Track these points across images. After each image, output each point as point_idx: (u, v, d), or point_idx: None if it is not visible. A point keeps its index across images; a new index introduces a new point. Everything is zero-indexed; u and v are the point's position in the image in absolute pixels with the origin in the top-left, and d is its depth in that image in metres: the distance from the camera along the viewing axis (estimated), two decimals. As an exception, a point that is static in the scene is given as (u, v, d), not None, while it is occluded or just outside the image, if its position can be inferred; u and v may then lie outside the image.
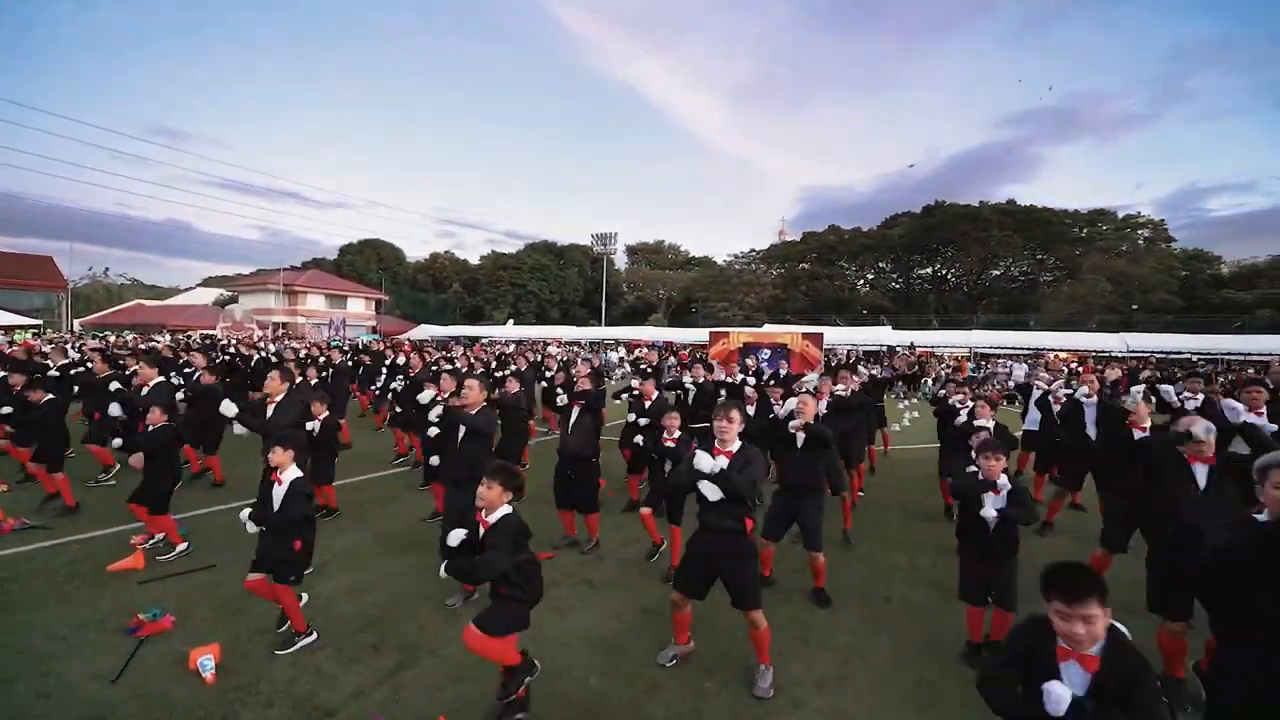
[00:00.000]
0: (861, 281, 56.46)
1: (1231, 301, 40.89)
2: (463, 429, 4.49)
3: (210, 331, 33.23)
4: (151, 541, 5.22)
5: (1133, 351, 29.65)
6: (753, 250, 59.10)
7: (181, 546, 5.21)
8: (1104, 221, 46.79)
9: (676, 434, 5.12)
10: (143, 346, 17.09)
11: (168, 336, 25.46)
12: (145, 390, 5.97)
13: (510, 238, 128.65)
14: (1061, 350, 30.82)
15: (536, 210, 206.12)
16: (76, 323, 39.31)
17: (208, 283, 62.90)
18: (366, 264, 65.76)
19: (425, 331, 48.20)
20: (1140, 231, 45.86)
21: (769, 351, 22.75)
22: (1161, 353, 29.40)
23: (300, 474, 3.87)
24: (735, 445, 3.56)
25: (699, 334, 43.50)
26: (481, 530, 3.05)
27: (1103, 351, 31.19)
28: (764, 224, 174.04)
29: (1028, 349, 31.78)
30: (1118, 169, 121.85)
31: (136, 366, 10.53)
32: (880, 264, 54.34)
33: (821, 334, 22.04)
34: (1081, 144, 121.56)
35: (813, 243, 54.31)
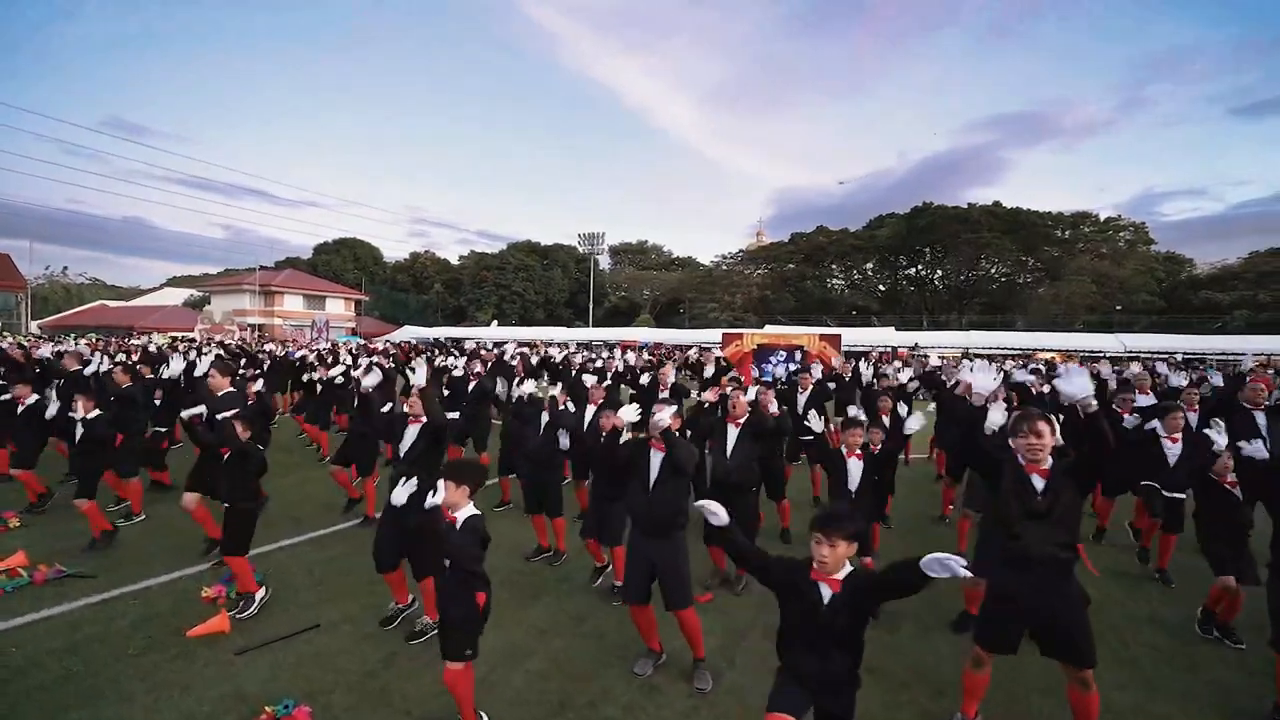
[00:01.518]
0: (847, 282, 56.70)
1: (1210, 302, 42.02)
2: (657, 466, 3.57)
3: (187, 334, 31.33)
4: (240, 599, 4.24)
5: (1129, 351, 30.05)
6: (740, 251, 58.91)
7: (260, 595, 4.27)
8: (1086, 224, 47.77)
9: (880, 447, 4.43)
10: (152, 348, 15.60)
11: (147, 338, 23.78)
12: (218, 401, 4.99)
13: (483, 237, 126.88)
14: (1053, 350, 31.19)
15: (511, 211, 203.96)
16: (34, 324, 36.81)
17: (174, 282, 60.05)
18: (343, 264, 63.61)
19: (409, 333, 46.63)
20: (1122, 234, 46.89)
21: (785, 353, 22.22)
22: (1158, 353, 29.77)
23: (477, 512, 2.97)
24: (1049, 463, 2.86)
25: (689, 335, 43.05)
26: (829, 592, 2.25)
27: (1097, 352, 31.64)
28: (736, 225, 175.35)
29: (1018, 349, 32.05)
30: (1082, 174, 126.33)
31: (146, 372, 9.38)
32: (867, 265, 54.61)
33: (839, 335, 21.54)
34: (1047, 149, 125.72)
35: (801, 243, 54.25)
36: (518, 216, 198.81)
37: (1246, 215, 71.75)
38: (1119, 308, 44.04)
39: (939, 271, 51.69)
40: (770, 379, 14.43)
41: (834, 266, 55.20)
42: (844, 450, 4.67)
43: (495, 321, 54.05)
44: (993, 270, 50.42)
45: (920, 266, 52.89)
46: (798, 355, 19.60)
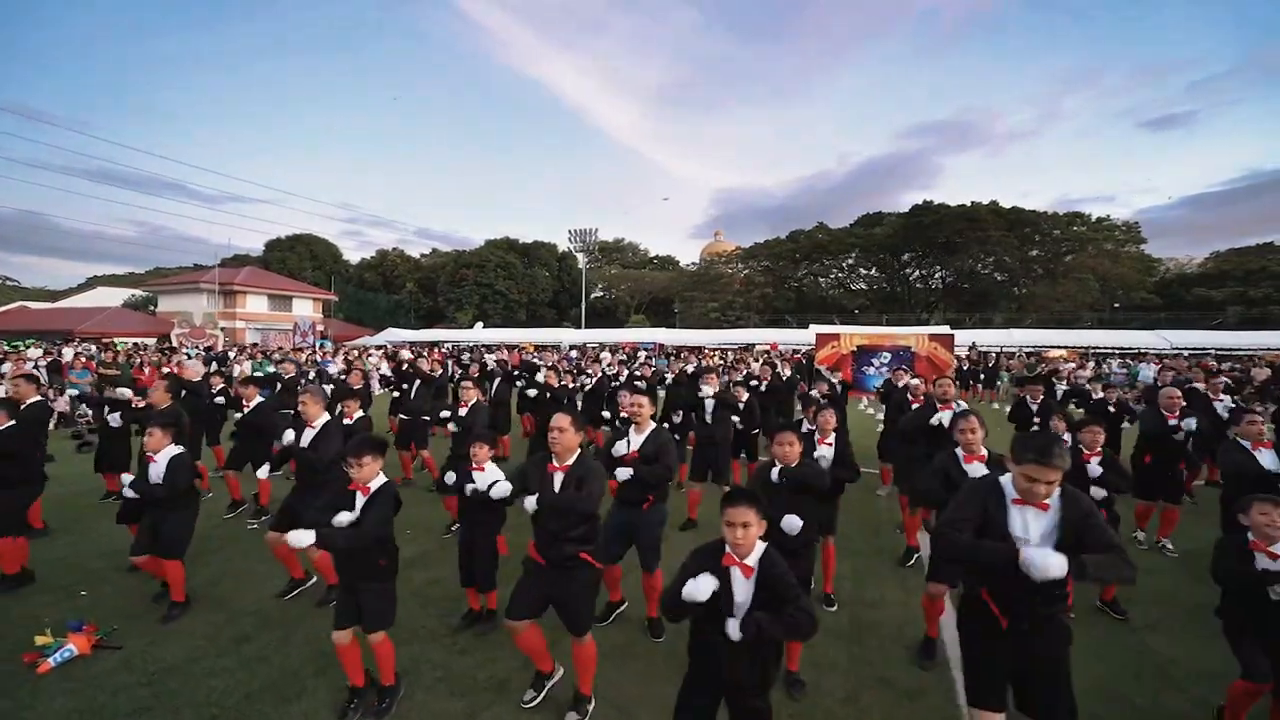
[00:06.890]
0: (837, 281, 55.93)
1: (1204, 299, 43.35)
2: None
3: (145, 339, 26.32)
4: None
5: (1175, 348, 29.80)
6: (738, 248, 57.20)
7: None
8: (1078, 223, 48.59)
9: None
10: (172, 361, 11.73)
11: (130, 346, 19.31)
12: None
13: (423, 237, 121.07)
14: (1062, 348, 30.64)
15: (452, 210, 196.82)
16: (-61, 331, 30.36)
17: (98, 281, 52.54)
18: (299, 261, 57.59)
19: (393, 336, 42.14)
20: (1114, 233, 47.95)
21: (889, 355, 20.18)
22: (1199, 349, 29.64)
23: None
24: None
25: (688, 335, 40.53)
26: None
27: (1130, 348, 31.47)
28: (678, 226, 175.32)
29: (1033, 345, 31.38)
30: (1008, 179, 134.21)
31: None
32: (867, 263, 53.92)
33: (952, 335, 19.66)
34: (977, 154, 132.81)
35: (802, 241, 53.01)
36: (460, 215, 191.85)
37: (1147, 221, 78.87)
38: (1116, 305, 44.94)
39: (939, 269, 51.45)
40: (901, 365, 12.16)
41: (829, 264, 54.27)
42: None
43: (480, 324, 49.99)
44: (987, 267, 50.41)
45: (922, 265, 52.41)
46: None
